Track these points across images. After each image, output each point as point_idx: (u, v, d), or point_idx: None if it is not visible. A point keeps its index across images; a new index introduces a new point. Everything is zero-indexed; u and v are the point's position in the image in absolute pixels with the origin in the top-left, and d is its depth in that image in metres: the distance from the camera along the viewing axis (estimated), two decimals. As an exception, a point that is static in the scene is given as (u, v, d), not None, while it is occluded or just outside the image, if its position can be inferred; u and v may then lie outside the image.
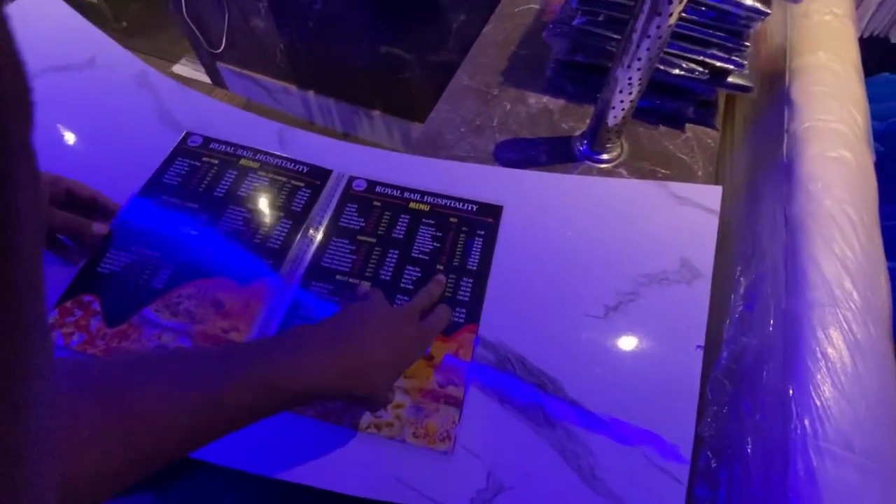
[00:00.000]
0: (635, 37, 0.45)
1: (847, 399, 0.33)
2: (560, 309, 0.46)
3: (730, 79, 0.55)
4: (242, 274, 0.47)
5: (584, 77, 0.64)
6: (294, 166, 0.55)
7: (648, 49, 0.45)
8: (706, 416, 0.41)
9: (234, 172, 0.54)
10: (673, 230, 0.51)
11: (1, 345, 0.12)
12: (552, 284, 0.47)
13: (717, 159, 0.61)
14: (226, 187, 0.52)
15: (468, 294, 0.46)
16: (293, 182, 0.54)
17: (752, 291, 0.43)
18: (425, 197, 0.52)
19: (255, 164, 0.55)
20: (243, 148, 0.56)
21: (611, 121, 0.54)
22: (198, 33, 1.49)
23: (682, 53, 0.55)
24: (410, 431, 0.39)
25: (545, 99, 0.65)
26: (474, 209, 0.52)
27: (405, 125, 1.46)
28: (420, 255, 0.49)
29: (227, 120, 0.60)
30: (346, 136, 1.60)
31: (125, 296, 0.45)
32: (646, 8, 0.42)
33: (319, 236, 0.50)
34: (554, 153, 0.60)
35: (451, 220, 0.51)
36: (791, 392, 0.35)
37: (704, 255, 0.48)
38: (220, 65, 1.62)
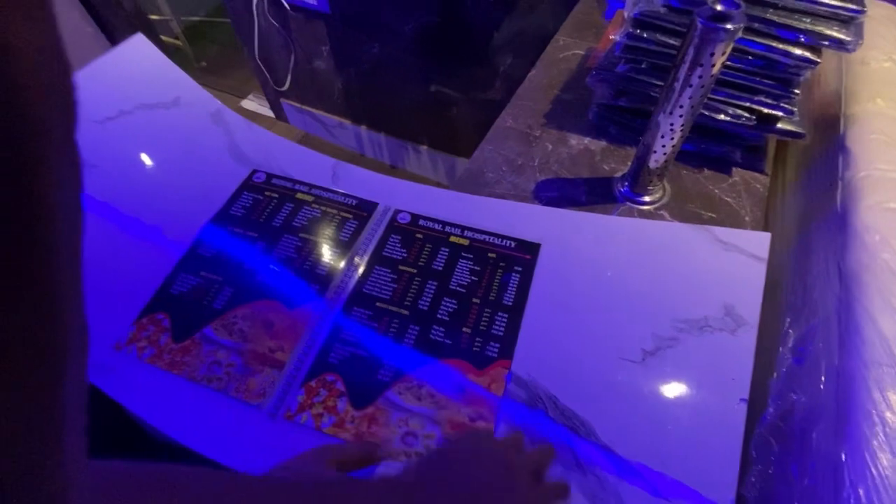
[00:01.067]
0: (677, 85, 0.46)
1: (909, 470, 0.31)
2: (595, 350, 0.46)
3: (779, 125, 0.55)
4: (291, 298, 0.50)
5: (626, 120, 0.64)
6: (344, 199, 0.59)
7: (691, 97, 0.46)
8: (750, 475, 0.39)
9: (291, 205, 0.58)
10: (716, 276, 0.49)
11: (36, 342, 0.11)
12: (588, 325, 0.47)
13: (767, 205, 0.59)
14: (282, 218, 0.57)
15: (502, 329, 0.47)
16: (342, 214, 0.57)
17: (801, 346, 0.41)
18: (465, 232, 0.54)
19: (310, 198, 0.59)
20: (300, 183, 0.61)
21: (652, 164, 0.54)
22: (266, 73, 1.63)
23: (727, 100, 0.55)
24: None
25: (587, 140, 0.66)
26: (513, 245, 0.53)
27: (450, 160, 1.51)
28: (457, 288, 0.50)
29: (288, 155, 0.65)
30: (393, 169, 1.67)
31: (190, 314, 0.49)
32: (688, 59, 0.43)
33: (363, 265, 0.53)
34: (594, 193, 0.61)
35: (490, 254, 0.52)
36: (844, 457, 0.32)
37: (750, 304, 0.47)
38: (284, 101, 1.75)
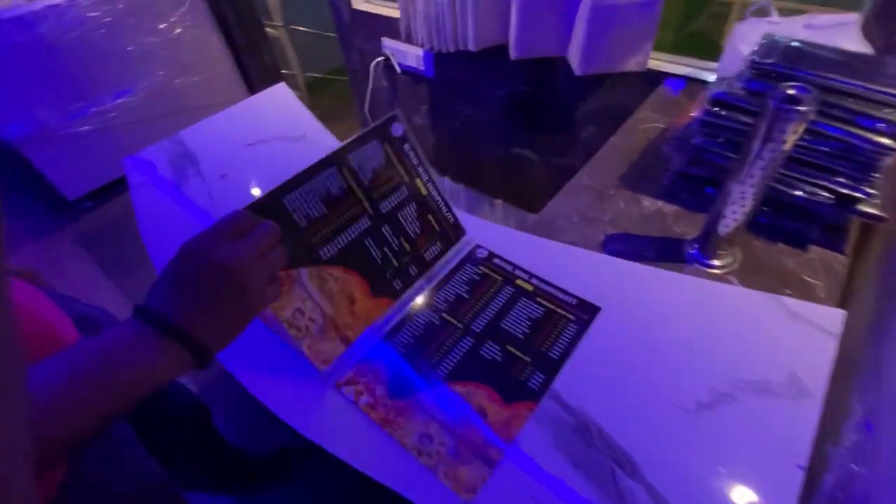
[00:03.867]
0: (750, 157, 0.50)
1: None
2: (647, 393, 0.47)
3: (860, 206, 0.55)
4: (377, 285, 0.56)
5: (699, 188, 0.68)
6: (447, 212, 0.64)
7: (762, 169, 0.49)
8: (804, 545, 0.38)
9: (407, 190, 0.64)
10: (784, 344, 0.50)
11: None
12: (643, 370, 0.49)
13: (849, 285, 0.58)
14: (397, 200, 0.61)
15: (541, 377, 0.49)
16: (438, 227, 0.64)
17: (867, 420, 0.40)
18: (532, 278, 0.59)
19: (425, 191, 0.63)
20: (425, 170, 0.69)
21: (722, 229, 0.57)
22: (370, 124, 1.85)
23: (805, 178, 0.57)
24: (443, 470, 0.43)
25: (659, 203, 0.70)
26: (574, 303, 0.56)
27: (521, 214, 1.59)
28: (510, 327, 0.54)
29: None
30: (468, 218, 1.77)
31: (296, 247, 0.51)
32: (760, 134, 0.48)
33: (438, 279, 0.59)
34: (663, 252, 0.64)
35: (549, 304, 0.56)
36: (906, 533, 0.31)
37: (817, 376, 0.46)
38: (379, 149, 1.96)
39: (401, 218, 0.62)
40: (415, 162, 0.61)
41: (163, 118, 2.03)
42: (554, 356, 0.51)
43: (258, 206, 0.46)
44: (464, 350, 0.52)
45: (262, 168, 0.82)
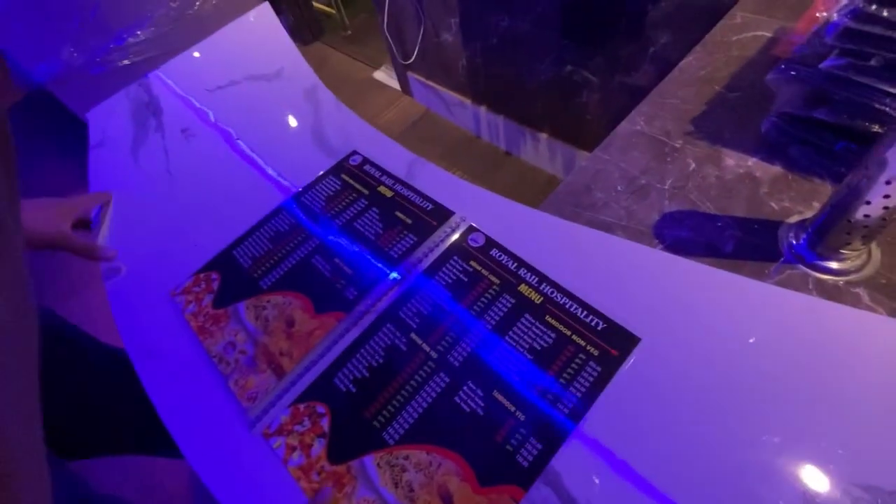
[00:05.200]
0: (944, 102, 0.27)
1: None
2: (703, 496, 0.31)
3: None
4: (322, 300, 0.45)
5: (821, 140, 0.44)
6: (421, 202, 0.50)
7: (969, 125, 0.26)
8: None
9: (366, 199, 0.52)
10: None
11: None
12: (698, 455, 0.32)
13: None
14: (353, 212, 0.51)
15: (538, 447, 0.34)
16: (413, 216, 0.49)
17: None
18: (542, 285, 0.41)
19: (389, 193, 0.52)
20: (387, 175, 0.54)
21: (859, 216, 0.35)
22: (392, 45, 1.60)
23: None
24: None
25: (751, 162, 0.47)
26: (600, 327, 0.38)
27: (570, 152, 1.33)
28: (504, 360, 0.38)
29: (367, 142, 0.58)
30: (507, 155, 1.54)
31: (236, 283, 0.47)
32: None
33: (404, 286, 0.44)
34: (749, 243, 0.43)
35: (564, 331, 0.38)
36: None
37: None
38: (410, 74, 1.72)
39: (357, 226, 0.50)
40: (377, 174, 0.54)
41: (187, 49, 1.91)
42: (559, 416, 0.35)
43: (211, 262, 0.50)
44: (433, 393, 0.38)
45: (226, 119, 0.67)
